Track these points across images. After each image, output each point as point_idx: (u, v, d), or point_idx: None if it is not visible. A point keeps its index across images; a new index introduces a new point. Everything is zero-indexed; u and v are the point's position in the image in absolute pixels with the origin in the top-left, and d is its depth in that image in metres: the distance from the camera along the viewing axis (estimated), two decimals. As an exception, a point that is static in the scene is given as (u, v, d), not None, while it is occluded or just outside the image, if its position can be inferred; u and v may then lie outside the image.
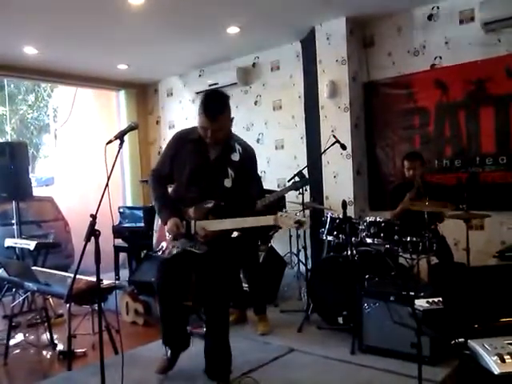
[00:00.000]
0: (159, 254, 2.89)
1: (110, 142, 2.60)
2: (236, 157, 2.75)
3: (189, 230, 2.74)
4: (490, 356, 1.75)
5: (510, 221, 4.66)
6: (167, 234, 2.84)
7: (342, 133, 5.43)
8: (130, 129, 2.74)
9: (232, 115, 2.82)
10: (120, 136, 2.62)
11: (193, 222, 2.73)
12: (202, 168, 2.77)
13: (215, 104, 2.69)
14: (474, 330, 1.96)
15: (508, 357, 1.74)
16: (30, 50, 6.00)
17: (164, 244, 2.85)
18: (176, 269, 2.91)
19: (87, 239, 2.42)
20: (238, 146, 2.79)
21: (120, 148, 2.61)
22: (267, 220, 2.45)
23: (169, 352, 3.07)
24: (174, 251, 2.82)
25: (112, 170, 2.51)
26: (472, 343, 1.84)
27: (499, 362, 1.72)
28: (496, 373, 1.69)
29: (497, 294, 2.16)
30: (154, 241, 2.97)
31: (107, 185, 2.48)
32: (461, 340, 1.88)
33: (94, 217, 2.43)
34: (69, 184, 9.46)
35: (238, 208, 2.67)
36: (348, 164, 5.55)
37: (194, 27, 5.55)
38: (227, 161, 2.74)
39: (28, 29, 5.32)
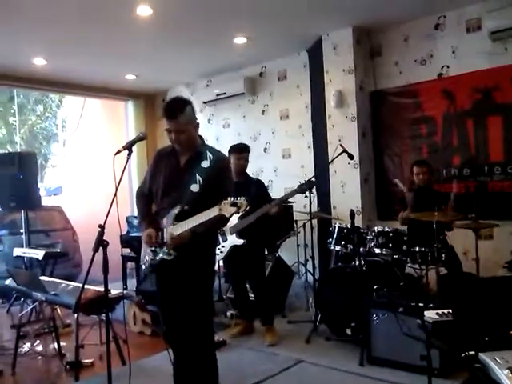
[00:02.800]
0: (143, 267, 2.90)
1: (119, 152, 2.63)
2: (206, 164, 2.77)
3: (162, 239, 2.76)
4: (502, 369, 1.72)
5: (520, 230, 4.62)
6: (144, 246, 2.87)
7: (350, 142, 5.43)
8: (139, 139, 2.77)
9: (197, 121, 2.86)
10: (128, 146, 2.65)
11: (164, 230, 2.74)
12: (173, 175, 2.81)
13: (173, 104, 2.77)
14: (484, 342, 1.93)
15: (520, 370, 1.72)
16: (39, 61, 6.06)
17: (147, 257, 2.86)
18: (164, 281, 2.88)
19: (96, 249, 2.43)
20: (209, 154, 2.81)
21: (128, 158, 2.63)
22: (213, 211, 2.47)
23: None
24: (151, 262, 2.83)
25: (120, 180, 2.53)
26: (483, 356, 1.81)
27: (511, 375, 1.70)
28: (507, 387, 1.67)
29: (507, 305, 2.13)
30: (141, 255, 2.97)
31: (115, 195, 2.49)
32: (471, 353, 1.85)
33: (102, 227, 2.44)
34: (77, 193, 9.52)
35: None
36: (355, 173, 5.54)
37: (201, 38, 5.59)
38: (196, 167, 2.76)
39: (37, 40, 5.39)
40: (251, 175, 4.57)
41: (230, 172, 2.93)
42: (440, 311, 2.45)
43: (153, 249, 2.78)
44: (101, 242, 2.42)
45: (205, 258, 2.80)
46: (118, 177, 2.52)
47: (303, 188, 4.11)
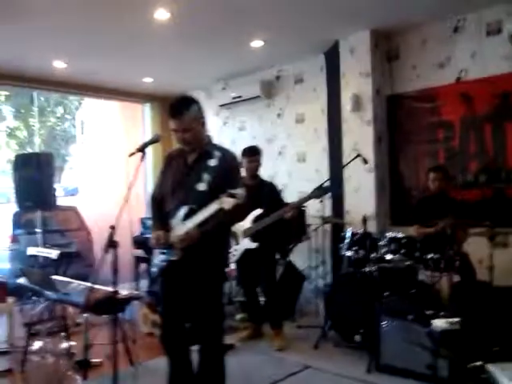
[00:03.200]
0: (153, 269, 2.89)
1: (133, 154, 2.66)
2: (213, 162, 2.74)
3: (170, 241, 2.74)
4: (509, 382, 1.66)
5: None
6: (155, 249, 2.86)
7: (365, 146, 5.38)
8: (153, 141, 2.79)
9: (203, 119, 2.85)
10: (142, 148, 2.66)
11: (172, 231, 2.73)
12: (181, 176, 2.80)
13: (178, 103, 2.77)
14: (492, 353, 1.87)
15: (527, 383, 1.66)
16: (59, 64, 6.15)
17: (156, 260, 2.85)
18: (171, 284, 2.86)
19: (106, 250, 2.45)
20: (217, 153, 2.78)
21: (142, 160, 2.64)
22: (214, 205, 2.48)
23: None
24: (160, 265, 2.81)
25: (134, 181, 2.54)
26: (490, 367, 1.75)
27: (517, 388, 1.64)
28: (514, 399, 1.60)
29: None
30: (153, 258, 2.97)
31: (128, 196, 2.50)
32: (478, 363, 1.79)
33: (113, 228, 2.46)
34: (93, 194, 9.61)
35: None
36: (370, 178, 5.47)
37: (218, 42, 5.60)
38: (203, 166, 2.74)
39: (58, 44, 5.46)
40: (265, 179, 4.54)
41: (238, 170, 2.89)
42: (449, 320, 2.39)
43: (163, 251, 2.76)
44: (111, 243, 2.43)
45: (215, 260, 2.77)
46: (133, 178, 2.56)
47: (317, 193, 4.08)
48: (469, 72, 5.10)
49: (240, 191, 2.45)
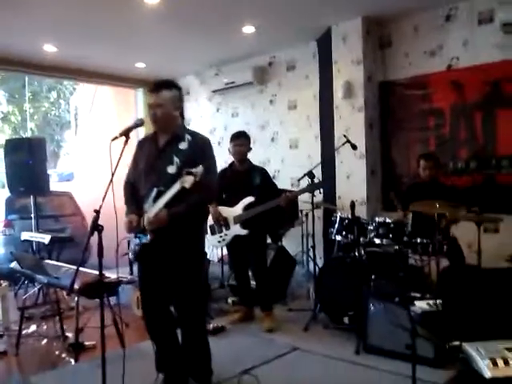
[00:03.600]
0: (130, 255, 2.93)
1: (116, 138, 2.65)
2: (183, 145, 2.78)
3: (143, 225, 2.77)
4: (483, 360, 1.72)
5: (526, 225, 4.56)
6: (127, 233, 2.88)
7: (356, 133, 5.41)
8: (136, 125, 2.78)
9: (180, 106, 2.89)
10: (126, 132, 2.67)
11: (145, 214, 2.76)
12: (152, 159, 2.84)
13: (161, 81, 2.86)
14: (469, 332, 1.93)
15: (501, 361, 1.71)
16: (49, 48, 6.12)
17: (132, 245, 2.89)
18: (147, 267, 2.89)
19: (91, 234, 2.47)
20: (187, 136, 2.82)
21: (125, 144, 2.66)
22: (176, 185, 2.56)
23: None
24: (135, 249, 2.84)
25: (117, 165, 2.56)
26: (466, 346, 1.81)
27: (491, 366, 1.69)
28: (487, 377, 1.66)
29: (495, 296, 2.13)
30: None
31: (111, 180, 2.52)
32: (456, 343, 1.85)
33: (97, 212, 2.47)
34: (88, 180, 9.62)
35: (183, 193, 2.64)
36: (362, 164, 5.51)
37: (209, 27, 5.59)
38: (173, 149, 2.78)
39: (47, 27, 5.43)
40: (257, 164, 4.55)
41: (210, 152, 2.87)
42: (431, 301, 2.45)
43: (138, 236, 2.79)
44: (96, 227, 2.45)
45: (188, 241, 2.78)
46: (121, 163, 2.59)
47: (312, 188, 4.11)
48: (460, 60, 5.13)
49: (199, 169, 2.50)
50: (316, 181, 4.32)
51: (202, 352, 2.89)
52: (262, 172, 4.36)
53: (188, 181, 2.49)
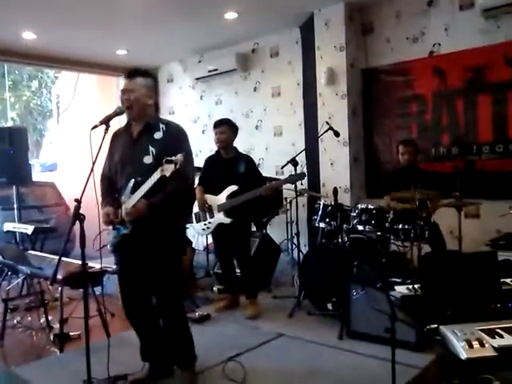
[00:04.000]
0: (108, 247, 2.90)
1: (96, 127, 2.62)
2: (158, 135, 2.77)
3: (121, 216, 2.75)
4: (459, 341, 1.76)
5: (506, 209, 4.63)
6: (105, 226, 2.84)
7: (340, 120, 5.43)
8: (116, 114, 2.76)
9: (153, 95, 2.87)
10: (105, 121, 2.64)
11: (122, 206, 2.73)
12: (127, 150, 2.81)
13: (137, 68, 2.84)
14: (447, 316, 1.97)
15: (476, 342, 1.76)
16: (28, 35, 6.01)
17: (110, 237, 2.84)
18: (126, 258, 2.87)
19: (72, 223, 2.45)
20: (161, 125, 2.81)
21: (105, 133, 2.63)
22: (156, 174, 2.53)
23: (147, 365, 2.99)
24: (113, 241, 2.82)
25: (98, 154, 2.54)
26: (443, 329, 1.85)
27: (467, 347, 1.74)
28: (463, 358, 1.70)
29: (471, 280, 2.17)
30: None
31: (92, 170, 2.50)
32: (434, 326, 1.89)
33: (78, 201, 2.45)
34: (71, 169, 9.52)
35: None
36: (345, 151, 5.54)
37: (191, 12, 5.53)
38: (148, 139, 2.76)
39: (26, 14, 5.32)
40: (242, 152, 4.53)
41: (185, 141, 2.84)
42: (411, 286, 2.49)
43: (116, 227, 2.76)
44: (77, 216, 2.43)
45: (168, 231, 2.76)
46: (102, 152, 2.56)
47: (294, 179, 4.11)
48: (442, 46, 5.16)
49: (179, 157, 2.47)
50: (299, 170, 4.33)
51: (184, 339, 2.90)
52: (248, 160, 4.32)
53: (168, 169, 2.47)
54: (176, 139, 2.77)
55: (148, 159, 2.70)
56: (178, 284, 2.93)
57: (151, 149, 2.71)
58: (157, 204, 2.65)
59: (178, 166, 2.46)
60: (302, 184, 4.50)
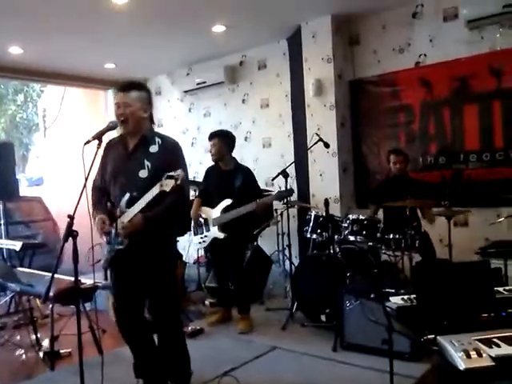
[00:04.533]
0: (101, 262, 2.87)
1: (88, 142, 2.59)
2: (154, 149, 2.75)
3: (116, 229, 2.72)
4: (457, 352, 1.77)
5: (494, 217, 4.69)
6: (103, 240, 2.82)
7: (328, 131, 5.46)
8: (109, 129, 2.74)
9: (149, 109, 2.85)
10: (98, 136, 2.63)
11: (118, 220, 2.71)
12: (121, 162, 2.79)
13: (131, 82, 2.82)
14: (443, 326, 1.98)
15: (473, 353, 1.76)
16: (15, 50, 5.97)
17: (105, 251, 2.80)
18: (121, 273, 2.85)
19: (65, 240, 2.42)
20: (157, 139, 2.79)
21: (98, 148, 2.62)
22: (155, 189, 2.51)
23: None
24: (108, 256, 2.79)
25: (90, 170, 2.52)
26: (440, 339, 1.86)
27: (465, 357, 1.74)
28: (461, 368, 1.71)
29: (467, 290, 2.18)
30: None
31: (85, 185, 2.48)
32: (430, 336, 1.90)
33: (71, 217, 2.42)
34: (59, 184, 9.43)
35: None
36: (334, 162, 5.57)
37: (180, 25, 5.55)
38: (144, 152, 2.74)
39: (11, 28, 5.29)
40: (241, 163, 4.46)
41: (180, 155, 2.82)
42: (406, 297, 2.49)
43: (110, 242, 2.74)
44: (70, 233, 2.41)
45: (162, 246, 2.76)
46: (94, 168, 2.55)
47: (282, 195, 4.09)
48: (428, 57, 5.24)
49: (179, 172, 2.46)
50: (289, 181, 4.33)
51: (180, 355, 2.88)
52: (245, 172, 4.25)
53: (169, 184, 2.45)
54: (172, 153, 2.76)
55: (143, 173, 2.68)
56: (174, 298, 2.91)
57: (146, 163, 2.69)
58: (154, 218, 2.63)
59: (178, 182, 2.45)
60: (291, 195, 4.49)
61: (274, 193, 4.41)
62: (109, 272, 2.95)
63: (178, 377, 2.88)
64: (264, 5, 5.05)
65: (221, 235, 4.09)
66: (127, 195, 2.67)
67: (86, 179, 2.49)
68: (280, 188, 4.25)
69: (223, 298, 4.39)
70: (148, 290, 2.77)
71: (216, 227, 4.14)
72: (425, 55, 5.26)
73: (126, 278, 2.81)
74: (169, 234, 2.82)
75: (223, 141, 4.22)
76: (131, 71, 7.39)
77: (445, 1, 5.07)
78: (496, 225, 4.51)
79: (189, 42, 6.15)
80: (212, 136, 4.25)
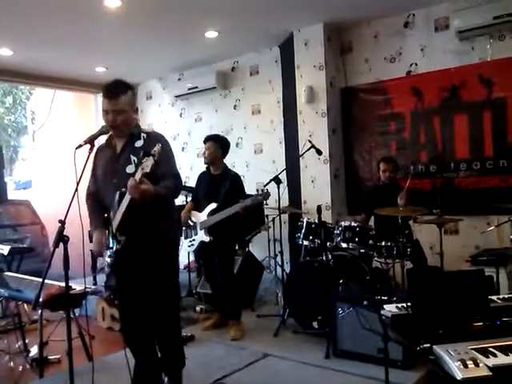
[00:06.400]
0: (105, 269, 2.86)
1: (80, 146, 2.57)
2: (139, 143, 2.74)
3: (112, 232, 2.71)
4: (453, 361, 1.77)
5: (484, 225, 4.73)
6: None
7: (320, 138, 5.48)
8: (101, 133, 2.72)
9: (136, 106, 2.86)
10: (90, 141, 2.61)
11: (113, 223, 2.70)
12: (110, 164, 2.78)
13: (116, 84, 2.73)
14: (439, 335, 1.98)
15: (470, 362, 1.77)
16: (4, 52, 5.92)
17: (107, 258, 2.78)
18: (122, 276, 2.85)
19: (56, 245, 2.39)
20: (143, 134, 2.79)
21: (90, 152, 2.60)
22: (137, 175, 2.44)
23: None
24: (110, 262, 2.77)
25: (82, 174, 2.49)
26: (436, 349, 1.86)
27: (462, 367, 1.75)
28: (459, 378, 1.71)
29: (462, 298, 2.20)
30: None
31: (76, 189, 2.46)
32: (426, 345, 1.90)
33: (62, 222, 2.40)
34: (47, 187, 9.34)
35: None
36: (325, 168, 5.58)
37: (172, 31, 5.55)
38: (130, 148, 2.74)
39: (2, 30, 5.25)
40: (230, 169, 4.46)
41: (167, 148, 2.76)
42: (400, 305, 2.50)
43: (110, 246, 2.73)
44: (61, 238, 2.38)
45: (161, 246, 2.74)
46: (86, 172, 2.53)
47: (259, 199, 4.05)
48: (419, 66, 5.30)
49: (156, 147, 2.43)
50: (282, 188, 4.34)
51: (177, 362, 2.86)
52: (233, 177, 4.26)
53: (148, 164, 2.38)
54: (157, 142, 2.65)
55: (130, 168, 2.67)
56: (176, 303, 2.93)
57: (133, 158, 2.68)
58: (160, 193, 2.58)
59: (156, 158, 2.40)
60: (267, 204, 4.49)
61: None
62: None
63: (171, 368, 2.87)
64: (257, 12, 5.07)
65: (207, 238, 4.12)
66: (117, 193, 2.65)
67: (78, 183, 2.47)
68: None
69: (217, 302, 4.37)
70: (150, 294, 2.75)
71: (203, 231, 4.15)
72: (416, 64, 5.31)
73: (128, 280, 2.81)
74: (172, 238, 2.83)
75: (216, 145, 4.24)
76: (122, 75, 7.23)
77: (436, 11, 5.13)
78: (486, 232, 4.55)
79: (181, 47, 6.15)
80: (207, 139, 4.27)
